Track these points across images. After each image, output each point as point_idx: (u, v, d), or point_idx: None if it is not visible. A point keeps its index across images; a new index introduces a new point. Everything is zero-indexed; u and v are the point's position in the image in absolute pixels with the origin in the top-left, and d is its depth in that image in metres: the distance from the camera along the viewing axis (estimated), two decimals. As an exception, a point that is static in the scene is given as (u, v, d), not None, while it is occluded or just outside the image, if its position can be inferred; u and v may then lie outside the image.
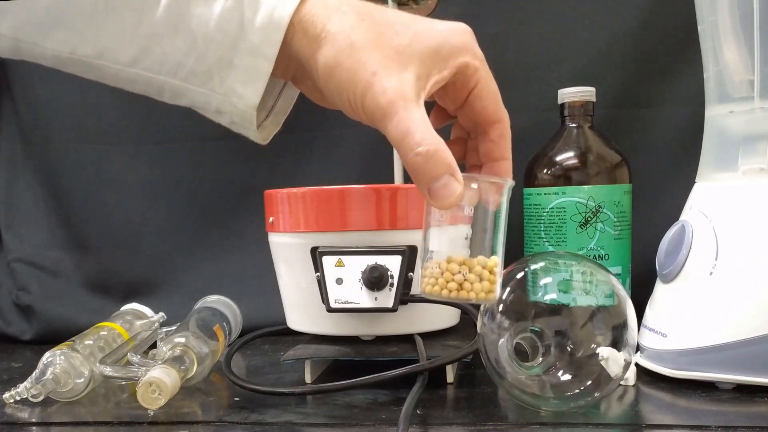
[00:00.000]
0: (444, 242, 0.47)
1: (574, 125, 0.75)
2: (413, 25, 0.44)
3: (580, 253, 0.71)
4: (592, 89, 0.75)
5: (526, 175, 0.75)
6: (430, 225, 0.48)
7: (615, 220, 0.72)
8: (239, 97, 0.45)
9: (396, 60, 0.42)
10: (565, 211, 0.71)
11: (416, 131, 0.41)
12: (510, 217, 0.74)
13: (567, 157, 0.73)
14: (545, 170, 0.74)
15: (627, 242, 0.74)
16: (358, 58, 0.42)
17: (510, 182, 0.47)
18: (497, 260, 0.47)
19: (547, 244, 0.73)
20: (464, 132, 0.50)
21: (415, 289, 0.66)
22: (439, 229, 0.47)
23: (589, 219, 0.71)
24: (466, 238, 0.47)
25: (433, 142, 0.42)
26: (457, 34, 0.45)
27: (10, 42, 0.46)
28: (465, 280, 0.46)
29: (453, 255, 0.47)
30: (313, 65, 0.43)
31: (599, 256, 0.71)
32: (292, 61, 0.45)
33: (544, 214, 0.73)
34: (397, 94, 0.41)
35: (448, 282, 0.46)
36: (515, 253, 0.76)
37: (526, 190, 0.75)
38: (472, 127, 0.49)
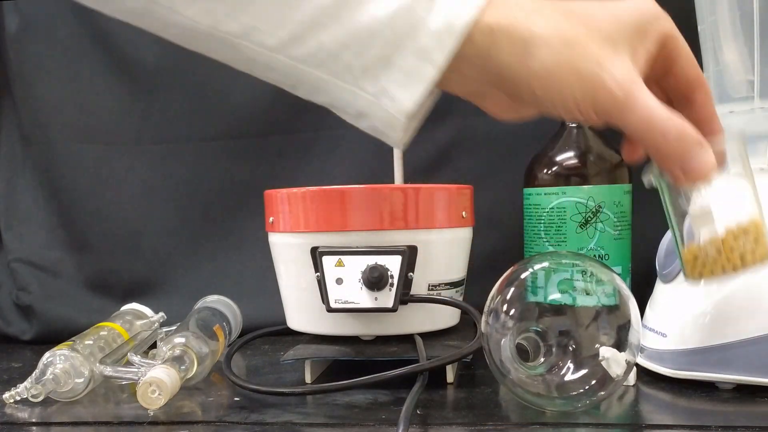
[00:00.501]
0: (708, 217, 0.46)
1: (574, 125, 0.75)
2: (606, 6, 0.42)
3: (582, 253, 0.71)
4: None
5: (526, 176, 0.75)
6: (677, 210, 0.48)
7: (615, 220, 0.72)
8: (391, 99, 0.41)
9: (610, 45, 0.40)
10: (565, 211, 0.71)
11: (660, 116, 0.41)
12: (509, 217, 0.76)
13: (567, 157, 0.73)
14: (545, 170, 0.74)
15: (627, 242, 0.74)
16: (578, 54, 0.40)
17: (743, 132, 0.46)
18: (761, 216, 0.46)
19: (547, 244, 0.73)
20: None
21: (415, 289, 0.66)
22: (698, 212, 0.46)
23: (589, 219, 0.71)
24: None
25: (678, 121, 0.41)
26: (648, 3, 0.43)
27: (142, 2, 0.42)
28: (744, 250, 0.45)
29: (721, 229, 0.46)
30: (523, 73, 0.40)
31: (599, 256, 0.71)
32: (485, 73, 0.42)
33: (544, 214, 0.73)
34: (628, 82, 0.40)
35: (730, 259, 0.46)
36: (515, 253, 0.76)
37: (526, 191, 0.75)
38: (672, 96, 0.46)
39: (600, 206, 0.71)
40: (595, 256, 0.71)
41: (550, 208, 0.72)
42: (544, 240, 0.73)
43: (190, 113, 0.96)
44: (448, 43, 0.40)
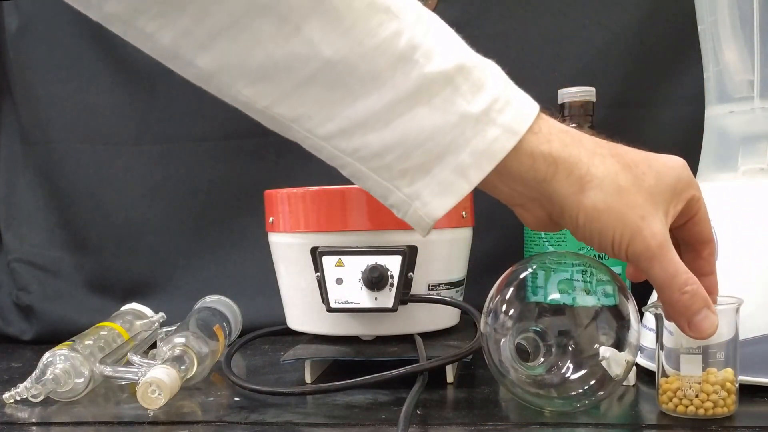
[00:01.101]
0: (693, 365, 0.52)
1: (574, 125, 0.75)
2: (651, 163, 0.47)
3: (581, 253, 0.71)
4: (592, 89, 0.75)
5: None
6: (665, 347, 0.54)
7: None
8: (423, 204, 0.45)
9: (652, 202, 0.45)
10: None
11: (681, 272, 0.46)
12: (509, 217, 0.75)
13: None
14: None
15: None
16: (626, 203, 0.45)
17: (741, 301, 0.53)
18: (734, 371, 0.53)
19: (547, 243, 0.72)
20: None
21: (415, 289, 0.66)
22: (689, 357, 0.52)
23: None
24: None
25: (695, 281, 0.47)
26: (683, 169, 0.48)
27: (204, 74, 0.45)
28: (717, 396, 0.52)
29: (704, 375, 0.52)
30: (574, 205, 0.45)
31: (599, 255, 0.71)
32: (534, 191, 0.46)
33: None
34: (663, 238, 0.45)
35: (704, 402, 0.52)
36: (515, 253, 0.76)
37: None
38: (682, 244, 0.51)
39: None
40: (595, 256, 0.71)
41: None
42: (544, 240, 0.73)
43: (190, 113, 0.96)
44: (486, 166, 0.43)
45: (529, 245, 0.75)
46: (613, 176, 0.45)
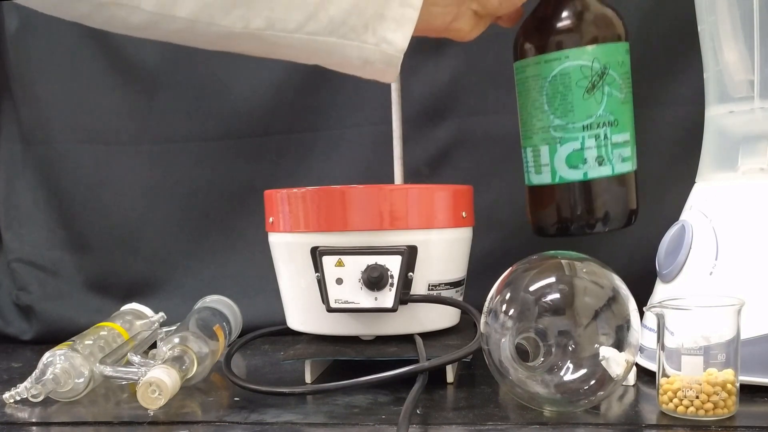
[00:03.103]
0: (694, 365, 0.53)
1: None
2: None
3: (589, 122, 0.65)
4: None
5: (518, 47, 0.69)
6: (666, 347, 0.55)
7: (620, 81, 0.66)
8: (389, 44, 0.54)
9: None
10: (569, 77, 0.65)
11: None
12: (509, 217, 0.73)
13: (563, 18, 0.66)
14: (540, 37, 0.67)
15: (631, 106, 0.68)
16: None
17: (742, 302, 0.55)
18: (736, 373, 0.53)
19: (552, 117, 0.66)
20: None
21: (415, 289, 0.66)
22: (690, 357, 0.53)
23: (596, 83, 0.64)
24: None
25: None
26: None
27: (184, 24, 0.51)
28: (718, 398, 0.52)
29: (705, 376, 0.53)
30: None
31: (609, 122, 0.65)
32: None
33: (546, 84, 0.66)
34: None
35: (704, 403, 0.52)
36: (515, 253, 0.75)
37: (520, 64, 0.68)
38: None
39: (606, 67, 0.65)
40: (604, 123, 0.65)
41: (552, 77, 0.65)
42: (549, 113, 0.66)
43: (190, 113, 0.96)
44: None
45: (530, 123, 0.68)
46: None
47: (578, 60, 0.64)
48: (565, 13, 0.66)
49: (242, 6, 0.51)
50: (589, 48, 0.64)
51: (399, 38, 0.55)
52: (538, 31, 0.67)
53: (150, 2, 0.50)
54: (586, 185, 0.60)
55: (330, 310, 0.64)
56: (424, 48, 0.92)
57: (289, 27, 0.53)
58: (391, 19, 0.54)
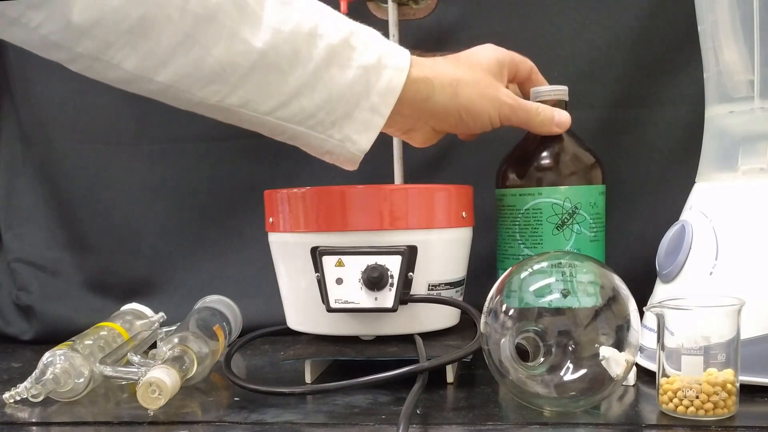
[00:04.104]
0: (694, 365, 0.53)
1: None
2: (472, 55, 0.67)
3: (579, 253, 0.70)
4: (565, 88, 0.74)
5: (499, 176, 0.74)
6: (666, 347, 0.55)
7: (591, 221, 0.70)
8: (352, 143, 0.59)
9: (493, 76, 0.66)
10: (541, 213, 0.70)
11: (533, 106, 0.68)
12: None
13: (542, 157, 0.72)
14: (519, 171, 0.72)
15: (602, 244, 0.72)
16: (485, 86, 0.64)
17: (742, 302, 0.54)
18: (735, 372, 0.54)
19: (522, 246, 0.71)
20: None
21: (415, 289, 0.66)
22: (690, 357, 0.53)
23: (565, 220, 0.70)
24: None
25: (541, 104, 0.70)
26: (494, 48, 0.69)
27: (161, 87, 0.53)
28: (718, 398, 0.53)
29: (705, 376, 0.53)
30: (455, 108, 0.63)
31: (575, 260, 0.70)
32: (422, 112, 0.63)
33: (519, 215, 0.71)
34: (512, 97, 0.67)
35: (704, 403, 0.53)
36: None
37: (499, 191, 0.74)
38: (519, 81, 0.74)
39: (576, 207, 0.70)
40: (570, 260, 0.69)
41: (525, 210, 0.71)
42: (520, 242, 0.71)
43: (189, 113, 0.96)
44: (390, 100, 0.58)
45: (504, 248, 0.73)
46: (469, 74, 0.63)
47: (550, 197, 0.70)
48: (545, 153, 0.71)
49: (220, 83, 0.53)
50: (562, 188, 0.69)
51: (363, 140, 0.59)
52: (518, 165, 0.73)
53: (131, 63, 0.52)
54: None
55: (330, 310, 0.64)
56: (424, 48, 0.92)
57: (261, 109, 0.56)
58: (359, 121, 0.57)
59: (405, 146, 0.83)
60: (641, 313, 0.56)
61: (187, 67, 0.52)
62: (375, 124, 0.58)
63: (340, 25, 0.57)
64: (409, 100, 0.59)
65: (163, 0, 0.50)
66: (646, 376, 0.64)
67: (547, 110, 0.68)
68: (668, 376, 0.54)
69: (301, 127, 0.57)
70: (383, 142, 0.88)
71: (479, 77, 0.64)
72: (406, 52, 0.60)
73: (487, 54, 0.66)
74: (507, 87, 0.69)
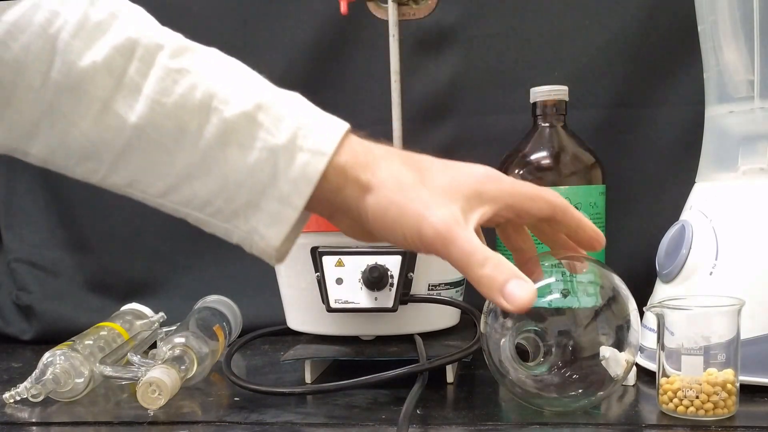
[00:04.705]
0: (694, 365, 0.53)
1: (546, 125, 0.74)
2: (449, 168, 0.48)
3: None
4: (565, 88, 0.74)
5: None
6: (666, 347, 0.54)
7: (591, 221, 0.70)
8: (261, 237, 0.47)
9: (442, 196, 0.46)
10: None
11: (479, 250, 0.45)
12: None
13: (541, 157, 0.72)
14: (519, 171, 0.72)
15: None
16: (408, 197, 0.46)
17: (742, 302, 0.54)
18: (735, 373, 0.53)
19: None
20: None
21: (415, 289, 0.66)
22: (690, 357, 0.53)
23: None
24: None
25: (497, 255, 0.45)
26: (487, 173, 0.49)
27: (40, 160, 0.49)
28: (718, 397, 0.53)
29: (705, 376, 0.53)
30: (362, 208, 0.46)
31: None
32: (335, 207, 0.47)
33: None
34: (451, 222, 0.45)
35: (704, 403, 0.52)
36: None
37: None
38: (549, 233, 0.55)
39: (576, 207, 0.69)
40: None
41: None
42: None
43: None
44: (305, 189, 0.45)
45: (503, 248, 0.74)
46: (396, 176, 0.46)
47: None
48: (545, 153, 0.70)
49: (96, 160, 0.46)
50: (562, 188, 0.69)
51: (273, 234, 0.46)
52: (518, 165, 0.71)
53: (0, 133, 0.48)
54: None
55: (330, 310, 0.64)
56: (424, 48, 0.92)
57: (151, 191, 0.48)
58: (266, 212, 0.46)
59: (405, 146, 0.83)
60: (641, 313, 0.56)
61: (54, 140, 0.46)
62: (285, 217, 0.46)
63: (247, 95, 0.46)
64: (322, 191, 0.46)
65: (24, 65, 0.44)
66: (646, 376, 0.64)
67: (504, 268, 0.45)
68: (668, 376, 0.54)
69: (200, 214, 0.48)
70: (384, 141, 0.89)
71: (412, 184, 0.46)
72: (337, 129, 0.46)
73: (468, 170, 0.49)
74: (509, 233, 0.55)
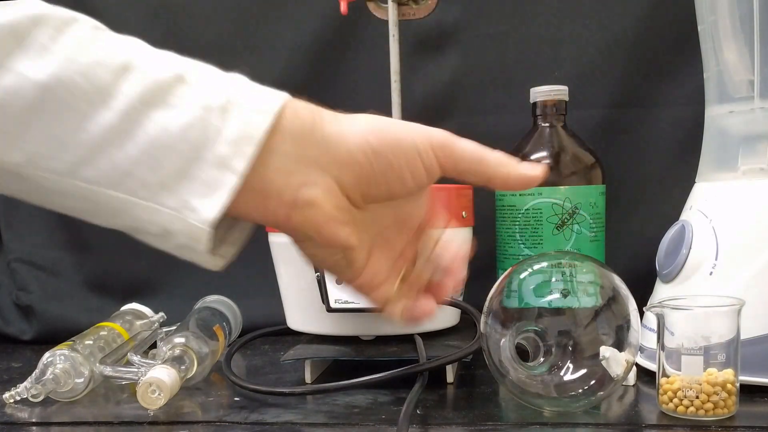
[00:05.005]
0: (694, 365, 0.53)
1: (546, 125, 0.74)
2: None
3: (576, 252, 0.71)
4: (565, 88, 0.74)
5: None
6: (666, 347, 0.54)
7: (591, 221, 0.70)
8: (192, 211, 0.39)
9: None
10: (541, 213, 0.70)
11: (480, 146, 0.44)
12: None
13: (542, 157, 0.72)
14: None
15: (602, 244, 0.73)
16: (402, 123, 0.43)
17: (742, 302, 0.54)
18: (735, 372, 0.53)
19: (522, 246, 0.71)
20: None
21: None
22: (690, 357, 0.53)
23: (565, 220, 0.70)
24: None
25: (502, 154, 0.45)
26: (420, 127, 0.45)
27: None
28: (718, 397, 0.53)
29: (705, 376, 0.53)
30: (356, 130, 0.41)
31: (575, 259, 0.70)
32: (307, 152, 0.41)
33: (519, 215, 0.71)
34: (442, 132, 0.44)
35: (704, 403, 0.52)
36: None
37: (499, 192, 0.74)
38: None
39: (576, 207, 0.70)
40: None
41: (525, 210, 0.71)
42: (520, 242, 0.71)
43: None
44: (247, 150, 0.39)
45: (503, 247, 0.74)
46: (370, 117, 0.43)
47: (550, 197, 0.70)
48: (543, 153, 0.71)
49: None
50: (562, 188, 0.68)
51: (207, 206, 0.39)
52: None
53: None
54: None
55: (330, 310, 0.64)
56: (424, 48, 0.92)
57: (56, 167, 0.39)
58: (198, 180, 0.39)
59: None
60: (641, 313, 0.56)
61: None
62: (225, 182, 0.39)
63: (169, 59, 0.40)
64: (288, 131, 0.40)
65: None
66: (646, 376, 0.64)
67: (504, 154, 0.44)
68: (668, 376, 0.54)
69: (119, 192, 0.39)
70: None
71: (380, 121, 0.43)
72: (278, 93, 0.41)
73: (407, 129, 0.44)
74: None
